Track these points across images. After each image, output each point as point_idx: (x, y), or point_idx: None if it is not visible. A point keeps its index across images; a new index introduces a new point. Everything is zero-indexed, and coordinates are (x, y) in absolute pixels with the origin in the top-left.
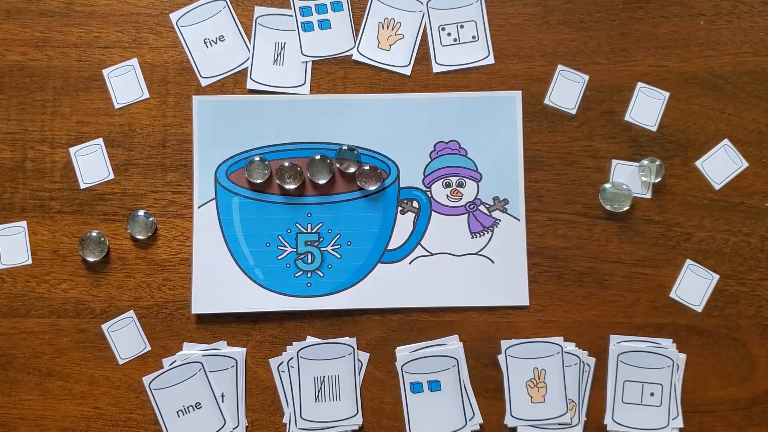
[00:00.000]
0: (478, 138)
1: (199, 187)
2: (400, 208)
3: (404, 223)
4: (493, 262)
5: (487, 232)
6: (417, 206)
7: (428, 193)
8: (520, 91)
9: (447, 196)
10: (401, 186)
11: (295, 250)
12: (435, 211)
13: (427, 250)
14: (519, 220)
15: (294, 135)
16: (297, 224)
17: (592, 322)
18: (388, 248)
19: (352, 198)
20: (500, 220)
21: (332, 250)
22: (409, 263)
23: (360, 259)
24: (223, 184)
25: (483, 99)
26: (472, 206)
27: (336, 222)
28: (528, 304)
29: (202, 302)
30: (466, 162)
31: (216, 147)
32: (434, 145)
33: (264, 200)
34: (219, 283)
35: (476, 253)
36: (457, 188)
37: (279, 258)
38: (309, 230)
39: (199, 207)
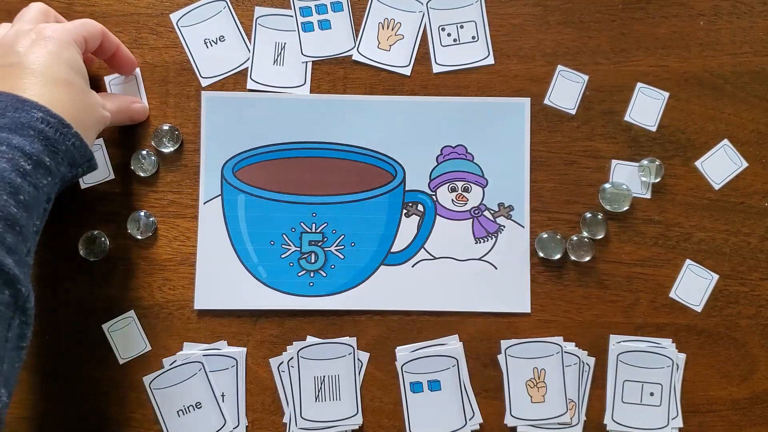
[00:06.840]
0: (486, 143)
1: (205, 182)
2: (404, 211)
3: (408, 226)
4: (495, 268)
5: (491, 238)
6: (422, 209)
7: (434, 196)
8: (529, 99)
9: (452, 200)
10: (407, 189)
11: (298, 249)
12: (440, 215)
13: (430, 254)
14: (523, 227)
15: (299, 135)
16: (302, 223)
17: (592, 322)
18: (392, 251)
19: (357, 199)
20: (504, 227)
21: (336, 250)
22: (412, 266)
23: (363, 260)
24: (229, 180)
25: (492, 105)
26: (476, 211)
27: (340, 222)
28: (529, 311)
29: (205, 298)
30: (473, 167)
31: (223, 143)
32: (441, 149)
33: (269, 198)
34: (222, 279)
35: (479, 259)
36: (463, 193)
37: (283, 257)
38: (313, 230)
39: (204, 203)
